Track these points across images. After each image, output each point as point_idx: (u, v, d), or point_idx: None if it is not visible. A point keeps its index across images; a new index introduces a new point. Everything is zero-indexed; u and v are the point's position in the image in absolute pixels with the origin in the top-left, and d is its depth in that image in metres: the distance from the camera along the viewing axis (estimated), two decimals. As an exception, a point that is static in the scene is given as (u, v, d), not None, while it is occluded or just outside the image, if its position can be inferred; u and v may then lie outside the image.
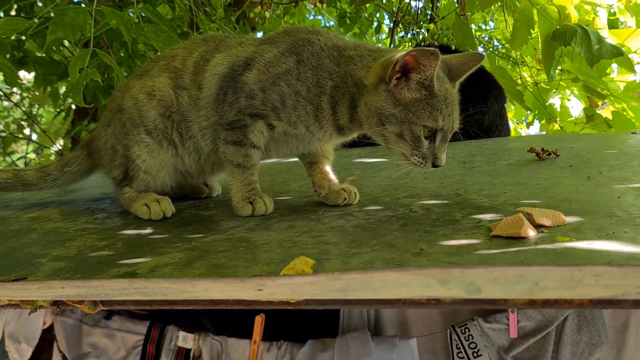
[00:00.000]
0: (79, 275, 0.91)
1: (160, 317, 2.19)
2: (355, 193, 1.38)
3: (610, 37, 3.09)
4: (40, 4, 3.53)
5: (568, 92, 3.78)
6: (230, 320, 2.15)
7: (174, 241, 1.13)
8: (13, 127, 6.07)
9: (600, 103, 3.47)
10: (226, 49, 1.40)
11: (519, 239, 0.97)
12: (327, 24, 6.08)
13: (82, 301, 0.88)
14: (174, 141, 1.39)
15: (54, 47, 3.84)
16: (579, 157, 1.67)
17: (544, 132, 3.69)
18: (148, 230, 1.24)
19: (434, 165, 1.24)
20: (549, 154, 1.67)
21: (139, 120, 1.38)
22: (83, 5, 2.41)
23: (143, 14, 2.43)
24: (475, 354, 1.97)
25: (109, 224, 1.34)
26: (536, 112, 3.39)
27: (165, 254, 1.02)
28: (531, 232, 0.99)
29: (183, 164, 1.43)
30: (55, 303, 0.90)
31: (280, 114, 1.30)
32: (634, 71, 2.83)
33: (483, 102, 2.32)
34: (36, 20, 2.35)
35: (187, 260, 0.97)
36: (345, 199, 1.37)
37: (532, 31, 2.77)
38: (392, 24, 3.31)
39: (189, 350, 2.11)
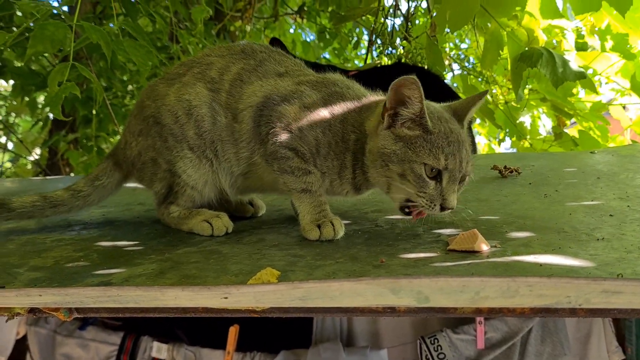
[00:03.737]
0: (55, 284, 0.96)
1: (134, 328, 2.21)
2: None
3: (578, 59, 3.23)
4: (19, 14, 3.54)
5: (540, 110, 3.92)
6: (204, 331, 2.18)
7: (148, 253, 1.17)
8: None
9: (568, 122, 3.60)
10: (264, 76, 1.37)
11: (473, 253, 1.05)
12: (307, 39, 6.18)
13: (57, 309, 0.92)
14: (209, 157, 1.36)
15: (33, 58, 3.85)
16: (539, 175, 1.76)
17: (514, 149, 3.81)
18: (123, 242, 1.29)
19: (443, 208, 1.18)
20: (511, 172, 1.75)
21: (181, 137, 1.34)
22: (63, 17, 2.45)
23: (123, 27, 2.47)
24: (443, 364, 2.03)
25: (85, 235, 1.38)
26: (507, 130, 3.51)
27: (139, 265, 1.07)
28: (484, 247, 1.06)
29: (219, 181, 1.39)
30: (32, 311, 0.94)
31: (317, 160, 1.29)
32: (596, 92, 2.96)
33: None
34: (15, 30, 2.38)
35: (160, 271, 1.02)
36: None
37: (501, 52, 2.88)
38: (367, 42, 3.41)
39: (162, 361, 2.14)
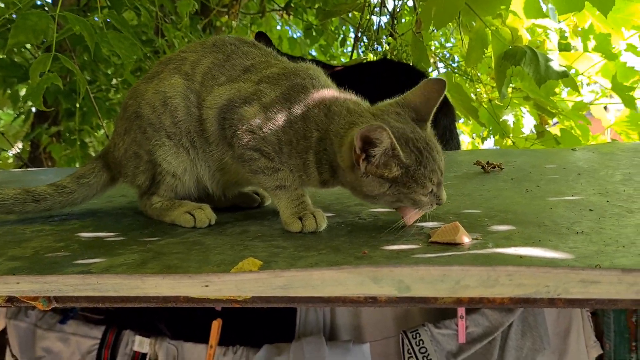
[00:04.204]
0: (34, 273, 0.95)
1: (116, 322, 2.19)
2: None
3: (560, 59, 3.27)
4: (1, 5, 3.49)
5: (524, 109, 3.96)
6: (187, 325, 2.18)
7: (130, 243, 1.17)
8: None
9: (550, 121, 3.64)
10: (230, 72, 1.37)
11: (455, 245, 1.05)
12: (294, 35, 6.18)
13: (36, 297, 0.91)
14: (186, 146, 1.36)
15: (15, 50, 3.80)
16: (521, 171, 1.78)
17: (497, 147, 3.84)
18: (104, 233, 1.28)
19: (438, 204, 1.25)
20: (494, 167, 1.77)
21: (158, 126, 1.35)
22: (46, 9, 2.43)
23: (108, 20, 2.45)
24: (425, 358, 2.05)
25: (65, 226, 1.37)
26: (490, 128, 3.54)
27: (120, 255, 1.06)
28: (466, 239, 1.07)
29: (197, 171, 1.39)
30: (10, 300, 0.93)
31: (282, 158, 1.28)
32: (578, 91, 3.00)
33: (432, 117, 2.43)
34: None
35: (141, 261, 1.01)
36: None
37: (486, 50, 2.90)
38: (353, 39, 3.41)
39: (144, 355, 2.13)
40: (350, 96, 1.34)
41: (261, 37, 2.62)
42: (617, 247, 0.99)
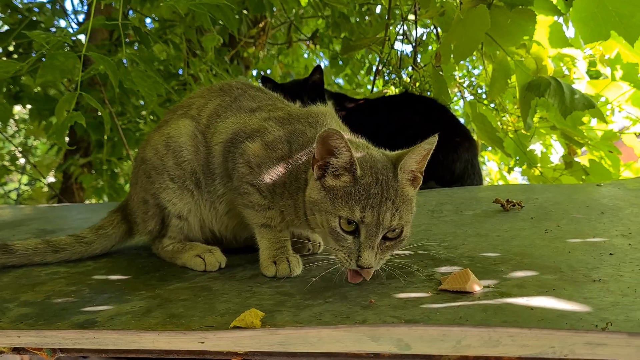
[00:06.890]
0: (41, 322, 0.96)
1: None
2: (319, 243, 1.43)
3: (589, 88, 3.20)
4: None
5: (552, 140, 3.87)
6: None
7: (139, 288, 1.17)
8: (7, 158, 6.12)
9: (579, 151, 3.55)
10: (237, 112, 1.40)
11: (465, 294, 1.02)
12: (321, 64, 6.23)
13: (40, 348, 0.92)
14: (190, 188, 1.38)
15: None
16: (542, 209, 1.73)
17: (525, 177, 3.77)
18: (117, 276, 1.29)
19: (358, 265, 1.08)
20: (513, 205, 1.72)
21: (161, 168, 1.38)
22: (73, 46, 2.50)
23: (133, 57, 2.51)
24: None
25: (80, 268, 1.39)
26: (517, 158, 3.47)
27: (127, 302, 1.07)
28: (476, 287, 1.04)
29: (200, 213, 1.41)
30: (16, 349, 0.94)
31: (274, 198, 1.28)
32: (605, 122, 2.93)
33: (454, 151, 2.40)
34: (33, 56, 2.42)
35: (147, 309, 1.01)
36: (309, 250, 1.42)
37: (509, 80, 2.86)
38: (375, 70, 3.42)
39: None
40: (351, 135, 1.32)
41: (267, 81, 2.62)
42: (635, 297, 0.95)
